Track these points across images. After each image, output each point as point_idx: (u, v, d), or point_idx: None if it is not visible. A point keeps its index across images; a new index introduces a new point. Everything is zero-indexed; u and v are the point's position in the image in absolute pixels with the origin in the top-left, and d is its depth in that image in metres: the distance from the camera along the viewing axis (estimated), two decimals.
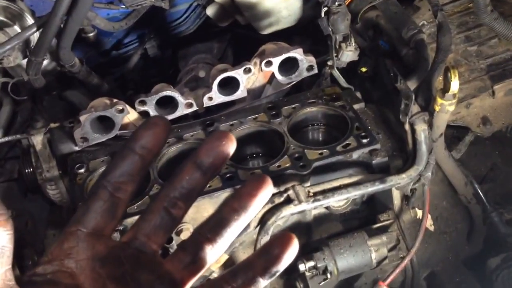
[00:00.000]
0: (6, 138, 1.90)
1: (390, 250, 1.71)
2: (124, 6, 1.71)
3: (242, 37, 2.40)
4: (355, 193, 1.60)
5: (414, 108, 1.62)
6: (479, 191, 1.83)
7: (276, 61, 1.83)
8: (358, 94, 1.90)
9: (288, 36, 2.25)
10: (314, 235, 1.79)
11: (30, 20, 1.74)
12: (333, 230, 1.80)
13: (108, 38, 2.34)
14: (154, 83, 1.90)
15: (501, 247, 1.89)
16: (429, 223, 1.85)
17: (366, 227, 1.76)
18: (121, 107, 1.77)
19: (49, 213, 2.00)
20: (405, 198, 1.79)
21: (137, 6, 1.77)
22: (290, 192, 1.58)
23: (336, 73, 1.94)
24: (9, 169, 2.02)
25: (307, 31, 2.19)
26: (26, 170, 1.87)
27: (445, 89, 1.51)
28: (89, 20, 1.80)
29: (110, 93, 2.06)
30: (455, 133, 1.97)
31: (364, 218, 1.82)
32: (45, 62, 1.89)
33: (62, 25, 1.66)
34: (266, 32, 2.19)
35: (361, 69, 1.98)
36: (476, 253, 1.87)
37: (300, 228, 1.76)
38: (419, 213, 1.79)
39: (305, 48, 1.93)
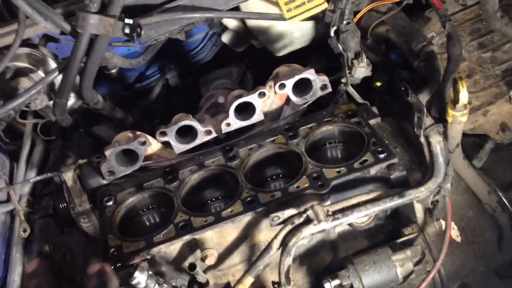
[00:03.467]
0: (39, 177, 2.00)
1: (416, 264, 1.69)
2: (140, 43, 1.78)
3: (260, 60, 2.43)
4: (374, 209, 1.60)
5: (428, 120, 1.61)
6: (504, 198, 1.79)
7: (289, 83, 1.86)
8: (374, 109, 1.91)
9: (304, 55, 2.28)
10: (340, 253, 1.79)
11: (52, 64, 1.83)
12: (359, 246, 1.79)
13: (131, 72, 2.43)
14: (178, 111, 1.96)
15: None
16: (455, 234, 1.82)
17: (391, 241, 1.75)
18: (143, 140, 1.84)
19: (85, 246, 2.06)
20: (428, 211, 1.77)
21: (153, 41, 1.84)
22: (310, 212, 1.59)
23: (351, 89, 1.95)
24: (45, 206, 2.11)
25: (323, 49, 2.20)
26: (60, 205, 1.96)
27: (455, 100, 1.50)
28: (107, 59, 1.89)
29: (135, 125, 2.14)
30: (476, 141, 1.93)
31: (389, 232, 1.81)
32: (71, 101, 1.98)
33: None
34: (281, 54, 2.23)
35: (376, 83, 1.98)
36: (508, 261, 1.83)
37: (326, 246, 1.77)
38: (444, 224, 1.77)
39: (321, 67, 1.96)
